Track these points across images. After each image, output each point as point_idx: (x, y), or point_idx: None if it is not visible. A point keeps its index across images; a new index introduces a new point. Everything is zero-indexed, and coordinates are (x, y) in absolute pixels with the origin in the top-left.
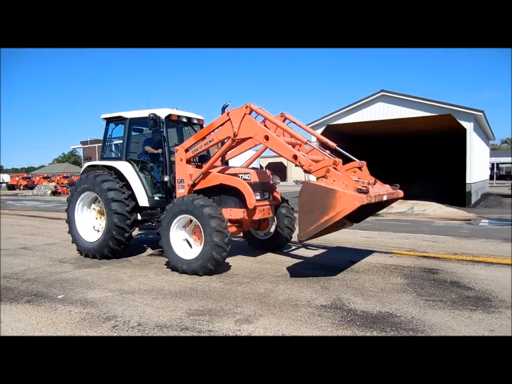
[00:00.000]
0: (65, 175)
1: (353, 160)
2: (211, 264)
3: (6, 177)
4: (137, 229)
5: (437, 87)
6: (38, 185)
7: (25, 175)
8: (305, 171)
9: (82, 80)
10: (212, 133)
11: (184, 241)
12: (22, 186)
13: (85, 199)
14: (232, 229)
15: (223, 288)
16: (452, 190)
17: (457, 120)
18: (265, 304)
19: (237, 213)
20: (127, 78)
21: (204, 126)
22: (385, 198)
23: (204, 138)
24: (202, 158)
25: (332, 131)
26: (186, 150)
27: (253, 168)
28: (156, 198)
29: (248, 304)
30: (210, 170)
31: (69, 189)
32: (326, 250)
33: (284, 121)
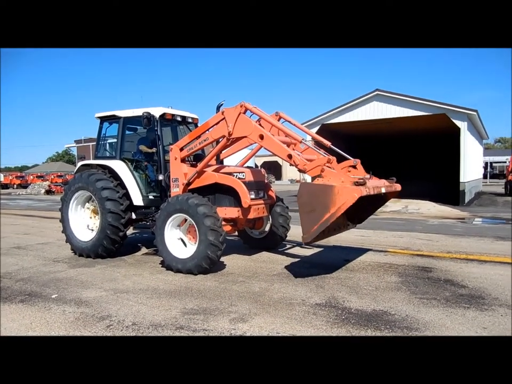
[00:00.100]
0: (59, 174)
1: (348, 159)
2: (206, 263)
3: None
4: (131, 228)
5: (431, 87)
6: (31, 184)
7: (18, 174)
8: (299, 170)
9: (76, 79)
10: (207, 132)
11: (178, 240)
12: (15, 185)
13: (79, 198)
14: (227, 227)
15: (218, 287)
16: (446, 188)
17: (451, 119)
18: (260, 303)
19: (232, 212)
20: (121, 77)
21: (199, 125)
22: (383, 190)
23: (199, 137)
24: (197, 157)
25: (326, 130)
26: (181, 149)
27: (247, 167)
28: (151, 197)
29: (243, 303)
30: (205, 169)
31: (63, 188)
32: (321, 249)
33: (278, 120)
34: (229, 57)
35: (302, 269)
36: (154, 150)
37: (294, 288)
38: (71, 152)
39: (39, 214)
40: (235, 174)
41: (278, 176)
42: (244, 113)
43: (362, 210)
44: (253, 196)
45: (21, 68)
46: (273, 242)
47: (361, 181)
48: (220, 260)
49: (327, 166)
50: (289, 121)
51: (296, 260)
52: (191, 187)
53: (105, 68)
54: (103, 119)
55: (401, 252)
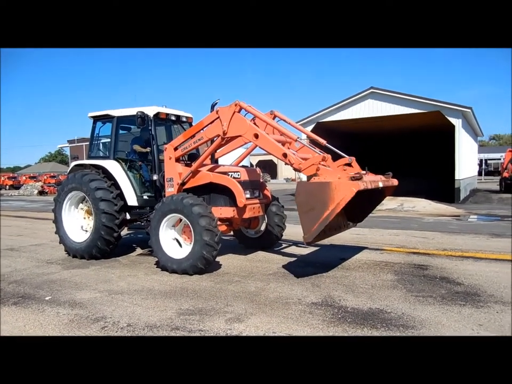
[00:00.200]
0: (52, 174)
1: (343, 157)
2: (201, 264)
3: None
4: (126, 228)
5: (425, 84)
6: (24, 185)
7: (10, 175)
8: (295, 169)
9: (69, 78)
10: (201, 131)
11: (174, 241)
12: (7, 186)
13: (72, 199)
14: (222, 227)
15: (213, 287)
16: (441, 186)
17: (446, 116)
18: (256, 302)
19: (227, 212)
20: (115, 76)
21: (193, 124)
22: (380, 184)
23: (193, 136)
24: (191, 157)
25: (322, 128)
26: (175, 149)
27: (242, 166)
28: (145, 197)
29: (239, 303)
30: (199, 169)
31: (56, 188)
32: (316, 248)
33: (273, 119)
34: (223, 56)
35: (298, 268)
36: (148, 149)
37: (290, 287)
38: (64, 152)
39: (32, 215)
40: (230, 173)
41: (274, 175)
42: (239, 112)
43: (361, 208)
44: (248, 195)
45: (12, 68)
46: (269, 241)
47: (358, 175)
48: (216, 259)
49: (322, 164)
50: (284, 120)
51: (292, 259)
52: (185, 187)
53: (98, 67)
54: (96, 119)
55: (397, 250)
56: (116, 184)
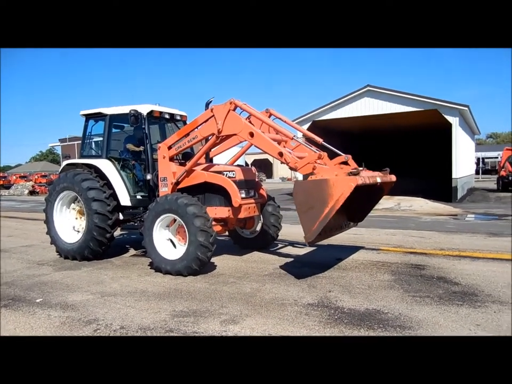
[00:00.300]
0: (43, 174)
1: (339, 155)
2: (196, 265)
3: None
4: (119, 229)
5: (422, 83)
6: (14, 184)
7: (1, 174)
8: (291, 168)
9: (60, 76)
10: (196, 130)
11: (168, 241)
12: None
13: (64, 199)
14: (217, 228)
15: (208, 288)
16: (438, 185)
17: (443, 115)
18: (252, 304)
19: (222, 212)
20: (107, 73)
21: (187, 122)
22: (378, 180)
23: (187, 135)
24: (185, 156)
25: (318, 127)
26: (169, 147)
27: (238, 165)
28: (138, 197)
29: (234, 304)
30: (194, 168)
31: (47, 188)
32: (313, 248)
33: (269, 117)
34: (218, 54)
35: (294, 269)
36: (141, 148)
37: (286, 288)
38: (55, 151)
39: (23, 216)
40: (225, 173)
41: (269, 175)
42: (234, 110)
43: (361, 206)
44: (243, 195)
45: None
46: (265, 242)
47: (355, 170)
48: (210, 260)
49: (318, 163)
50: (279, 118)
51: (288, 259)
52: (180, 186)
53: (90, 65)
54: (88, 117)
55: (394, 249)
56: (108, 184)
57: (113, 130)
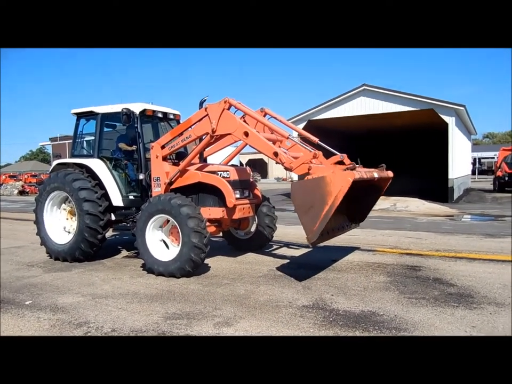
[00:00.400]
0: (33, 173)
1: (335, 154)
2: (189, 266)
3: None
4: (111, 230)
5: (418, 82)
6: (3, 184)
7: None
8: (286, 168)
9: (51, 73)
10: (189, 129)
11: (160, 242)
12: None
13: (54, 199)
14: (211, 228)
15: (201, 290)
16: (435, 185)
17: (439, 114)
18: (246, 306)
19: (216, 212)
20: (99, 71)
21: (181, 121)
22: (375, 174)
23: (181, 134)
24: (179, 155)
25: (313, 127)
26: (163, 147)
27: (232, 165)
28: (131, 197)
29: (227, 307)
30: (187, 168)
31: (37, 188)
32: (308, 249)
33: (264, 116)
34: (213, 53)
35: (289, 270)
36: (134, 148)
37: (281, 290)
38: (45, 150)
39: (12, 216)
40: (219, 173)
41: (264, 175)
42: (228, 109)
43: (360, 205)
44: (238, 196)
45: None
46: (259, 243)
47: (351, 166)
48: (204, 262)
49: (313, 163)
50: (275, 118)
51: (283, 260)
52: (173, 186)
53: (82, 62)
54: (79, 116)
55: (389, 250)
56: (100, 184)
57: (105, 129)
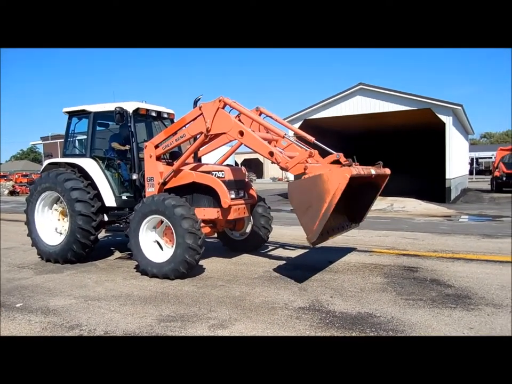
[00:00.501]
0: (24, 173)
1: (331, 154)
2: (183, 268)
3: None
4: (103, 230)
5: (415, 81)
6: None
7: None
8: (282, 168)
9: (43, 70)
10: (184, 128)
11: (154, 243)
12: None
13: (46, 199)
14: (206, 229)
15: (196, 292)
16: (432, 185)
17: (436, 114)
18: (241, 307)
19: (211, 213)
20: (92, 69)
21: (175, 120)
22: (373, 171)
23: (175, 133)
24: (173, 155)
25: (309, 126)
26: (156, 146)
27: (227, 165)
28: (124, 197)
29: (222, 309)
30: (182, 168)
31: (28, 188)
32: (304, 250)
33: (259, 115)
34: (207, 52)
35: (284, 271)
36: (127, 147)
37: (276, 291)
38: (37, 149)
39: (2, 217)
40: (214, 173)
41: (260, 175)
42: (223, 108)
43: (359, 204)
44: (233, 196)
45: None
46: (255, 244)
47: (347, 162)
48: (199, 263)
49: (309, 162)
50: (270, 117)
51: (279, 262)
52: (167, 187)
53: (74, 60)
54: (71, 114)
55: (386, 251)
56: (92, 184)
57: (98, 128)
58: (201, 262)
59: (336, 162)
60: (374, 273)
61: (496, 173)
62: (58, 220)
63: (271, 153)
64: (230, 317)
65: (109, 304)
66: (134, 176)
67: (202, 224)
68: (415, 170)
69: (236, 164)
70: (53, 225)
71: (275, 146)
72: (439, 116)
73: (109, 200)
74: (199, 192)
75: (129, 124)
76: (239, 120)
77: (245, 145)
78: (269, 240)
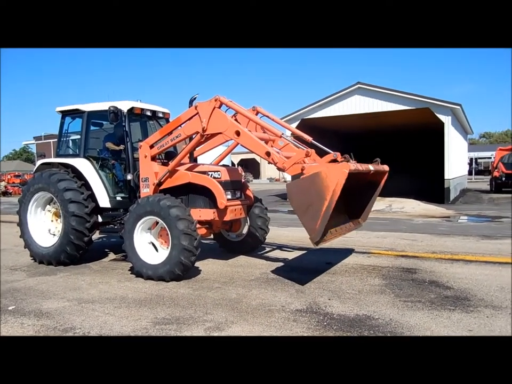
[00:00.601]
0: (16, 173)
1: (328, 153)
2: (179, 269)
3: None
4: (97, 232)
5: (413, 80)
6: None
7: None
8: (278, 169)
9: (36, 69)
10: (179, 128)
11: (149, 245)
12: None
13: (39, 200)
14: (202, 231)
15: (192, 294)
16: (430, 186)
17: (435, 113)
18: (237, 310)
19: (207, 214)
20: (86, 67)
21: (170, 120)
22: (371, 167)
23: (170, 133)
24: (168, 155)
25: (306, 126)
26: (151, 146)
27: (223, 165)
28: (118, 198)
29: (219, 311)
30: (177, 168)
31: (20, 189)
32: (301, 252)
33: (256, 115)
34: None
35: (282, 273)
36: (122, 147)
37: (273, 293)
38: (29, 149)
39: None
40: (210, 173)
41: (256, 175)
42: (219, 107)
43: (360, 202)
44: (229, 196)
45: None
46: (252, 245)
47: (345, 159)
48: (194, 265)
49: (306, 162)
50: (267, 116)
51: (276, 263)
52: (162, 187)
53: (69, 58)
54: (65, 114)
55: (385, 253)
56: (86, 185)
57: (92, 127)
58: (197, 264)
59: (334, 161)
60: (372, 275)
61: (496, 173)
62: (52, 221)
63: (268, 154)
64: (226, 320)
65: (103, 306)
66: (129, 177)
67: (198, 225)
68: (414, 171)
69: (233, 164)
70: (46, 226)
71: (272, 146)
72: (438, 115)
73: (103, 201)
74: (195, 192)
75: (123, 124)
76: (236, 120)
77: (241, 145)
78: (266, 241)
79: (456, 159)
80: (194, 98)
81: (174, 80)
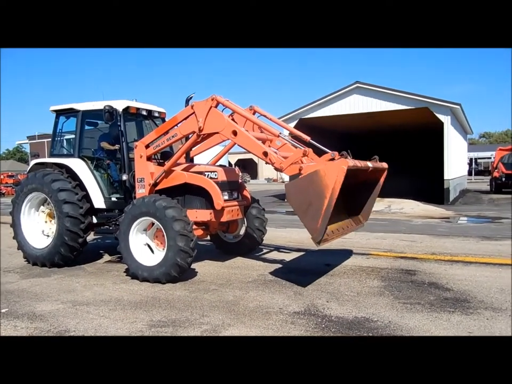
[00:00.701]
0: (9, 173)
1: (326, 152)
2: (175, 271)
3: None
4: (92, 233)
5: (413, 80)
6: None
7: None
8: (276, 169)
9: (30, 67)
10: (175, 128)
11: (145, 246)
12: None
13: (32, 201)
14: (198, 232)
15: (188, 296)
16: (430, 186)
17: (434, 113)
18: (234, 312)
19: (203, 215)
20: (81, 66)
21: (166, 119)
22: (370, 164)
23: (166, 133)
24: (164, 155)
25: (305, 125)
26: (147, 146)
27: (220, 165)
28: (113, 199)
29: (215, 313)
30: (173, 168)
31: (14, 189)
32: (299, 253)
33: (253, 114)
34: (201, 51)
35: (279, 275)
36: (117, 147)
37: (271, 295)
38: (23, 149)
39: None
40: (206, 173)
41: (254, 175)
42: (216, 107)
43: (360, 201)
44: (226, 197)
45: None
46: (249, 246)
47: (343, 155)
48: (191, 266)
49: (304, 161)
50: (264, 116)
51: (274, 265)
52: (158, 188)
53: (64, 57)
54: (59, 113)
55: (384, 254)
56: (81, 185)
57: (86, 127)
58: (193, 266)
59: (332, 160)
60: (371, 276)
61: (496, 174)
62: (46, 222)
63: (265, 154)
64: (223, 322)
65: (98, 309)
66: (124, 177)
67: (194, 226)
68: (413, 171)
69: (230, 164)
70: (39, 227)
71: (269, 146)
72: (437, 115)
73: (98, 201)
74: (191, 193)
75: (119, 123)
76: (233, 119)
77: (238, 145)
78: (263, 242)
79: (456, 159)
80: (191, 98)
81: (170, 79)
